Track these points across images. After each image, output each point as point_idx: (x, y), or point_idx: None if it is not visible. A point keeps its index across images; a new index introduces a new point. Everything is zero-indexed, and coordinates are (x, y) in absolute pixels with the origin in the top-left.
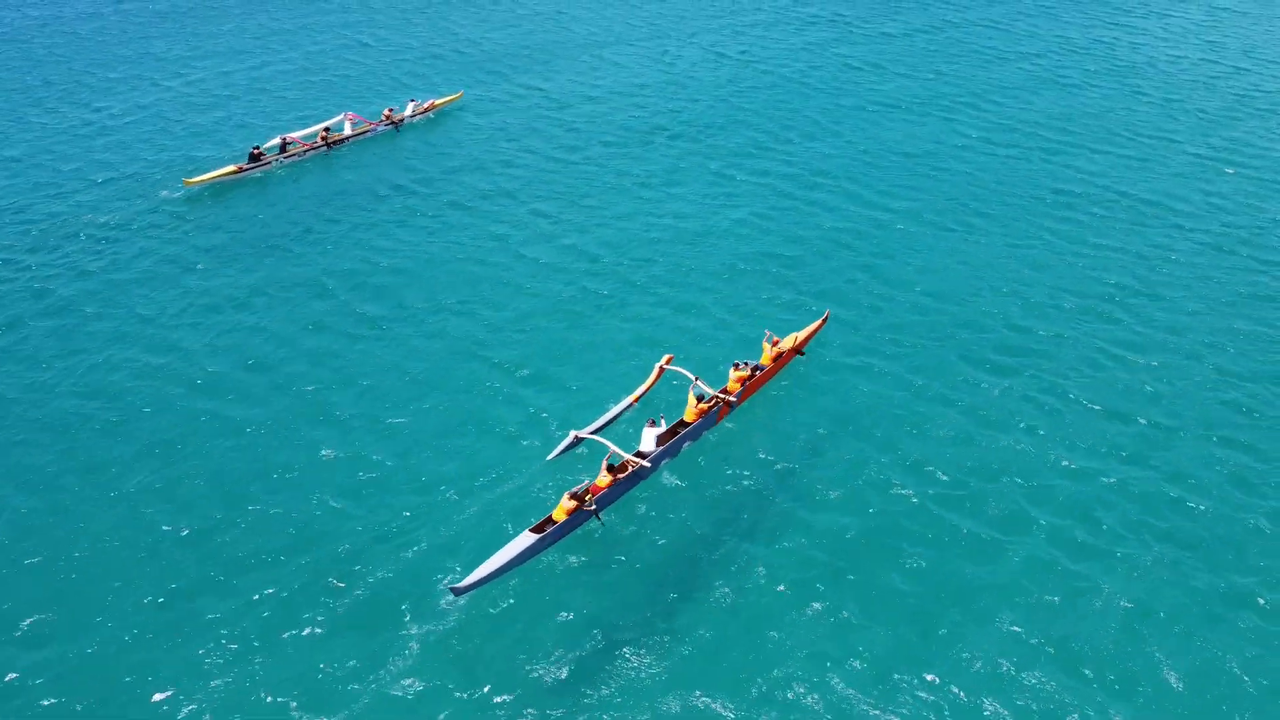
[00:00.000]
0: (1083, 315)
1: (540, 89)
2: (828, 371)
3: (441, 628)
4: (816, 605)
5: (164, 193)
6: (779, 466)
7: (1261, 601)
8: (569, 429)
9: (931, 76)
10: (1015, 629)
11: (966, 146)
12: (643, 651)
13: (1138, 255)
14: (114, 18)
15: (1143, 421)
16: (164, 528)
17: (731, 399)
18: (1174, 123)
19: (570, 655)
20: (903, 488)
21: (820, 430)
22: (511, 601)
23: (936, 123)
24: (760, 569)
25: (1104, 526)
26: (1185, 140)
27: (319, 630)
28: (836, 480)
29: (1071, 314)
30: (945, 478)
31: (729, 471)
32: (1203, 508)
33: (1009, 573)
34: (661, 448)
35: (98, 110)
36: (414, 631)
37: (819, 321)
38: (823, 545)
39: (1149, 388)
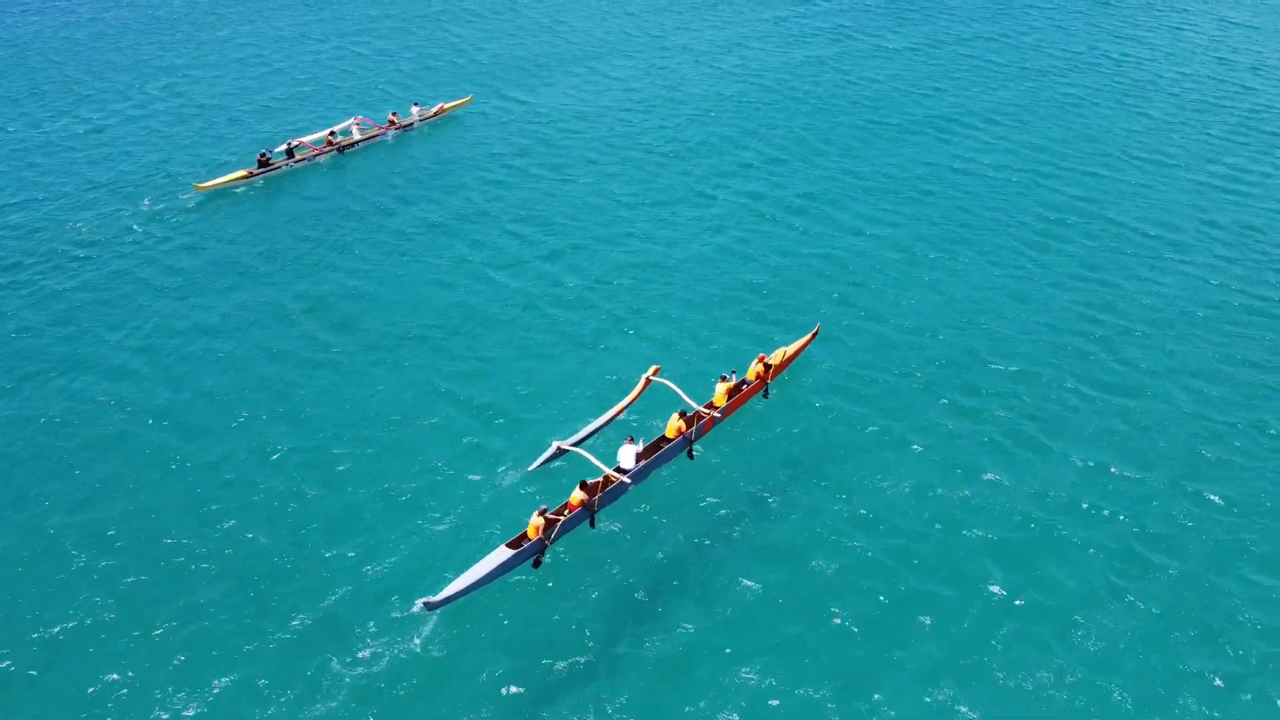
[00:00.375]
0: (1059, 352)
1: (530, 102)
2: (791, 409)
3: (370, 671)
4: (753, 667)
5: (145, 203)
6: (726, 513)
7: (1219, 684)
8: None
9: (930, 93)
10: (953, 699)
11: (957, 169)
12: (564, 714)
13: (1121, 288)
14: (113, 24)
15: (1114, 471)
16: (80, 562)
17: (716, 414)
18: (1174, 146)
19: (490, 716)
20: (856, 539)
21: (778, 474)
22: (441, 653)
23: (931, 143)
24: (690, 626)
25: (1065, 586)
26: (1184, 164)
27: (236, 675)
28: (788, 531)
29: (1048, 350)
30: (902, 528)
31: (674, 518)
32: (1170, 569)
33: (956, 637)
34: (642, 463)
35: (85, 121)
36: (340, 676)
37: (809, 335)
38: (767, 604)
39: (1123, 434)
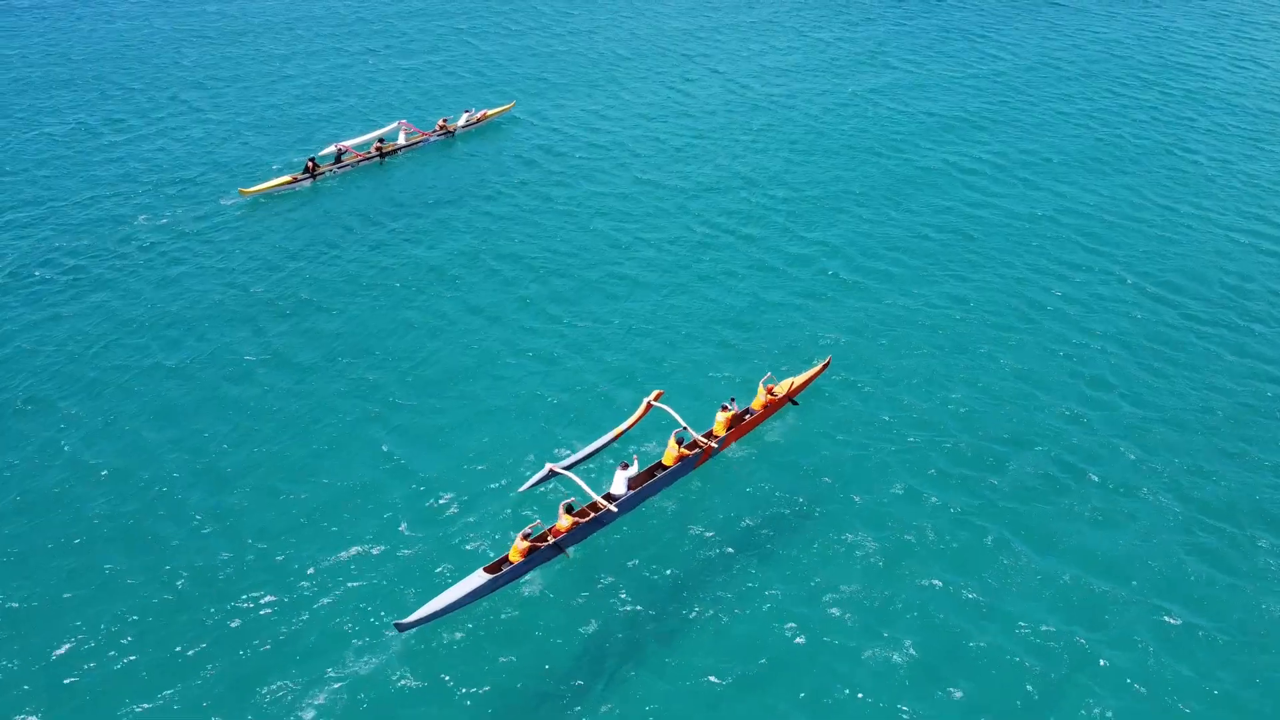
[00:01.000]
0: (1042, 434)
1: (543, 124)
2: (752, 472)
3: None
4: None
5: (142, 218)
6: (672, 579)
7: None
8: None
9: (960, 128)
10: None
11: (974, 216)
12: None
13: (1129, 355)
14: (144, 31)
15: (1077, 583)
16: None
17: (714, 444)
18: (1210, 198)
19: None
20: (800, 629)
21: (735, 528)
22: (364, 706)
23: (953, 186)
24: (619, 701)
25: (1017, 703)
26: (1220, 216)
27: None
28: (730, 602)
29: (1030, 431)
30: (849, 619)
31: (632, 572)
32: (1121, 700)
33: None
34: (632, 492)
35: (95, 134)
36: None
37: (819, 366)
38: (710, 678)
39: (1106, 527)
